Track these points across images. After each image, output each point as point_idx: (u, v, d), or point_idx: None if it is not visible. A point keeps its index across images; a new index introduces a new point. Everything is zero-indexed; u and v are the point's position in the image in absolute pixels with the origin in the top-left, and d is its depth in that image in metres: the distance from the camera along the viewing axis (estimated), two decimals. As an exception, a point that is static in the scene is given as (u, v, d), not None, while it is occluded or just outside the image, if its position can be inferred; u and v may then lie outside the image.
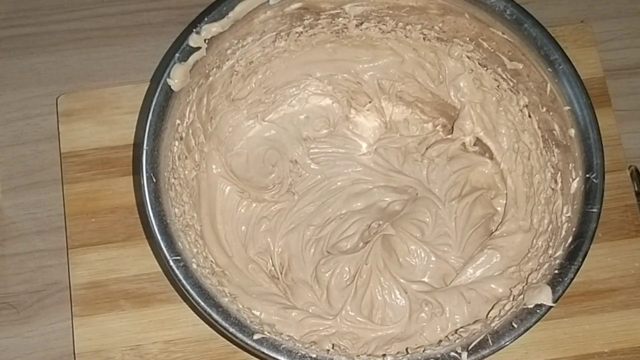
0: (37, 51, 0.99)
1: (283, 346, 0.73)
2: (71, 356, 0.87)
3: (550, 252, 0.79)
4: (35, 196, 0.94)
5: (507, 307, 0.78)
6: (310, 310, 0.85)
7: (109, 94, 0.94)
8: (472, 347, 0.74)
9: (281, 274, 0.89)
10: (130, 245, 0.90)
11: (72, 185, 0.92)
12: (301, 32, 0.87)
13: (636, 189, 0.93)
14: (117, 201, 0.91)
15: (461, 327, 0.81)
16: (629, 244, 0.91)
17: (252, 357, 0.85)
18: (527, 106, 0.84)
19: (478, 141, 0.91)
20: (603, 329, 0.88)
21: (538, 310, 0.74)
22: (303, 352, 0.73)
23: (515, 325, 0.74)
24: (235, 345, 0.85)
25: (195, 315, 0.87)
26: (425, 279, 0.87)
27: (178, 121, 0.81)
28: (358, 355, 0.76)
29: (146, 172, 0.78)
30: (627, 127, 0.96)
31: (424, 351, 0.75)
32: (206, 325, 0.87)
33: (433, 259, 0.87)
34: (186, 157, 0.84)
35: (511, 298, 0.79)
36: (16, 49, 0.99)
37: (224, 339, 0.87)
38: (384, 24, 0.87)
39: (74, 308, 0.88)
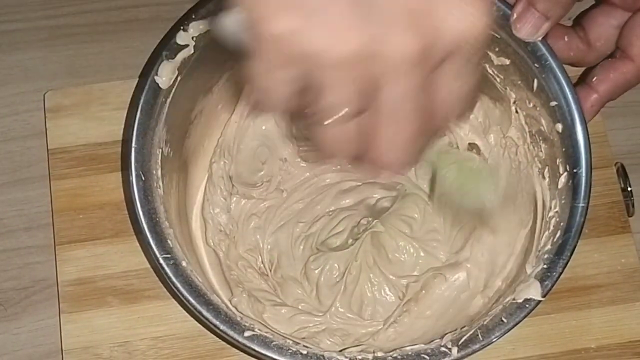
0: (25, 47, 0.99)
1: (274, 343, 0.74)
2: (59, 353, 0.87)
3: (538, 246, 0.79)
4: (22, 193, 0.94)
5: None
6: (300, 307, 0.85)
7: (96, 90, 0.94)
8: (462, 342, 0.74)
9: (271, 270, 0.88)
10: (118, 242, 0.90)
11: (60, 181, 0.91)
12: (292, 29, 0.87)
13: (622, 185, 0.93)
14: (105, 197, 0.91)
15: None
16: (615, 240, 0.91)
17: (240, 353, 0.85)
18: (514, 102, 0.85)
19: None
20: (589, 325, 0.89)
21: (527, 305, 0.75)
22: (294, 349, 0.74)
23: (505, 320, 0.75)
24: (226, 342, 0.85)
25: (183, 311, 0.87)
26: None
27: (166, 118, 0.81)
28: (349, 351, 0.76)
29: (135, 171, 0.77)
30: (613, 124, 0.96)
31: (414, 346, 0.76)
32: (195, 322, 0.87)
33: (422, 254, 0.87)
34: (175, 153, 0.84)
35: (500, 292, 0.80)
36: (3, 45, 0.98)
37: (212, 335, 0.86)
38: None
39: (61, 305, 0.88)
